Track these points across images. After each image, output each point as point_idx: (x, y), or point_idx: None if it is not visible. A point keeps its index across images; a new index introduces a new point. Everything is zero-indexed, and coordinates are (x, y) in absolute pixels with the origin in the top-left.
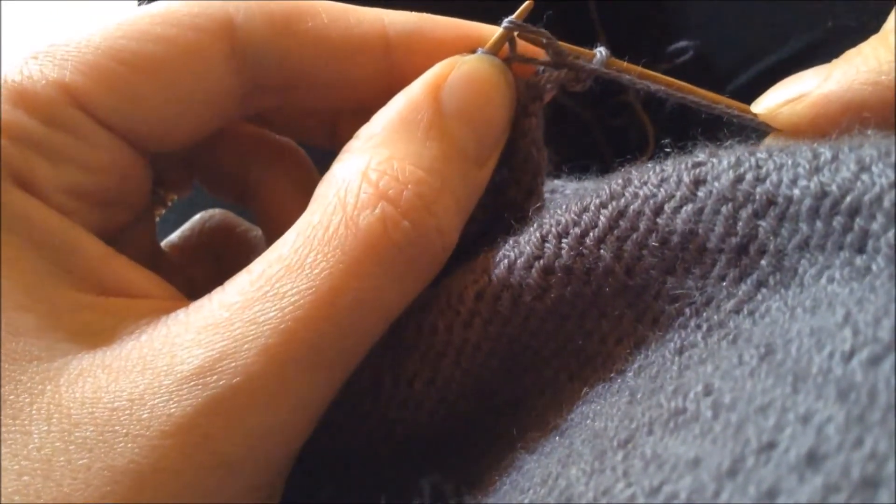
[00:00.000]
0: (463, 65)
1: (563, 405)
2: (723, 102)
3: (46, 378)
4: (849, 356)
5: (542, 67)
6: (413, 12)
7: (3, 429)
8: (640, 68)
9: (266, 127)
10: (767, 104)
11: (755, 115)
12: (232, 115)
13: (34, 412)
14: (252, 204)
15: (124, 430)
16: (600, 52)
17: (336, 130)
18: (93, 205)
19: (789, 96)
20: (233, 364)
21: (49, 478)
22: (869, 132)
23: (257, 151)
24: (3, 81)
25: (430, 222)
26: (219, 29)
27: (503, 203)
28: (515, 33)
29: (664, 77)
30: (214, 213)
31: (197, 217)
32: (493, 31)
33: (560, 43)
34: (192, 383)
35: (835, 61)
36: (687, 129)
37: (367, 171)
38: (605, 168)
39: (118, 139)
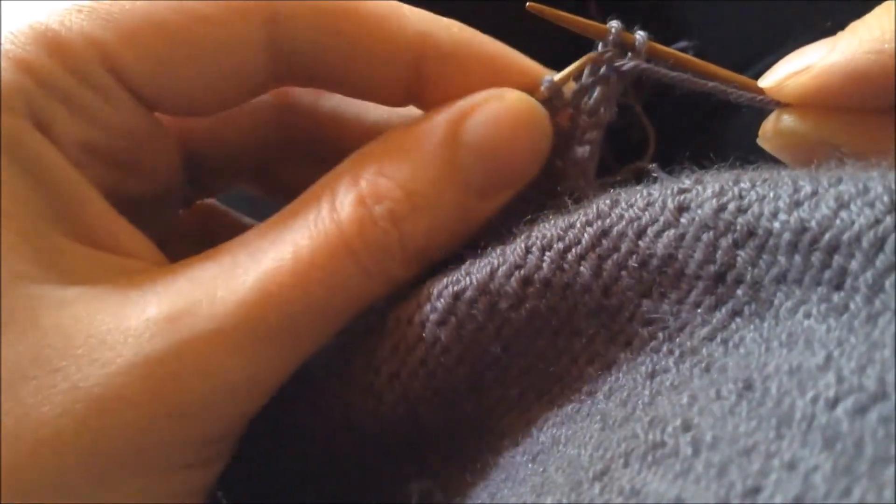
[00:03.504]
0: (501, 100)
1: (531, 425)
2: (736, 81)
3: (29, 298)
4: (833, 403)
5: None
6: (460, 27)
7: None
8: (676, 52)
9: (288, 108)
10: (774, 77)
11: (764, 92)
12: (255, 96)
13: (10, 325)
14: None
15: (95, 356)
16: (640, 35)
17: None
18: (104, 164)
19: (795, 69)
20: (209, 310)
21: (11, 388)
22: (847, 162)
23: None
24: (44, 28)
25: (392, 234)
26: (260, 18)
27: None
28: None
29: (698, 61)
30: (207, 201)
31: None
32: (529, 64)
33: (578, 18)
34: (169, 322)
35: (840, 33)
36: (686, 130)
37: (359, 178)
38: (605, 169)
39: (140, 105)
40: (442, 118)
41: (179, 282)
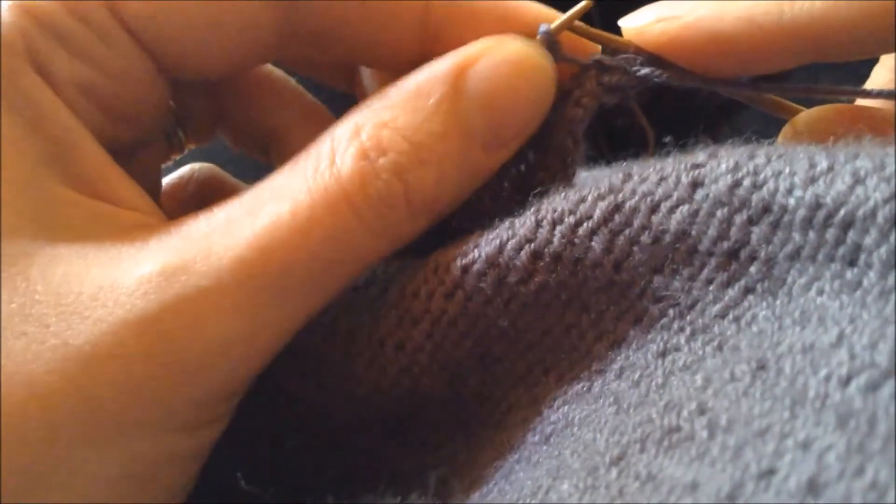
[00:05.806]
0: (502, 48)
1: (540, 402)
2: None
3: (23, 254)
4: (846, 381)
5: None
6: None
7: None
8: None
9: (292, 68)
10: (640, 20)
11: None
12: (262, 58)
13: (1, 280)
14: (277, 158)
15: (87, 313)
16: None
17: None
18: (99, 109)
19: (662, 15)
20: (205, 267)
21: (1, 343)
22: (865, 138)
23: (289, 105)
24: None
25: (397, 187)
26: None
27: (531, 186)
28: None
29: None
30: (204, 165)
31: (186, 167)
32: (539, 11)
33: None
34: (163, 279)
35: None
36: (684, 132)
37: (361, 131)
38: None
39: (142, 52)
40: (444, 67)
41: (173, 239)
